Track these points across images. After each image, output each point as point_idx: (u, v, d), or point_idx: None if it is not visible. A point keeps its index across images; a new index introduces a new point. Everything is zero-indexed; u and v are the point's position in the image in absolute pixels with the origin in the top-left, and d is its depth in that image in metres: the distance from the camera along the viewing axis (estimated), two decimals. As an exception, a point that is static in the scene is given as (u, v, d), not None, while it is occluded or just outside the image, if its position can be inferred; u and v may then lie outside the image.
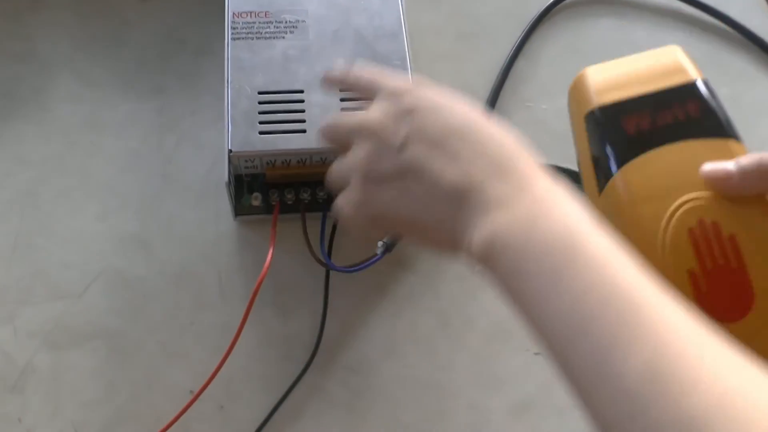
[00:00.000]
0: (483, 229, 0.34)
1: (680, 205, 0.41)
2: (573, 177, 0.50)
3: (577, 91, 0.50)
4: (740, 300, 0.40)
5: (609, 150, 0.45)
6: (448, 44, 0.67)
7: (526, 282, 0.33)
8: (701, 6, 0.70)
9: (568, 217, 0.34)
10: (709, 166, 0.40)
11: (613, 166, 0.44)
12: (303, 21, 0.58)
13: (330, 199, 0.55)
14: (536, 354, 0.54)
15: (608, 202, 0.44)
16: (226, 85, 0.54)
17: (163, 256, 0.55)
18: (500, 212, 0.34)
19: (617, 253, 0.32)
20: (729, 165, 0.39)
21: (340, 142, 0.43)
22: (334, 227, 0.56)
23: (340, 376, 0.52)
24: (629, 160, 0.43)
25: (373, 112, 0.40)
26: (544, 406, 0.52)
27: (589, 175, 0.46)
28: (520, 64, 0.66)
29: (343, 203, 0.41)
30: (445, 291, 0.55)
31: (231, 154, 0.51)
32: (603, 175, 0.45)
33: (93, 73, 0.62)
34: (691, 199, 0.41)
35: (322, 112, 0.53)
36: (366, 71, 0.45)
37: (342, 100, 0.54)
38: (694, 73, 0.46)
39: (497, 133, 0.37)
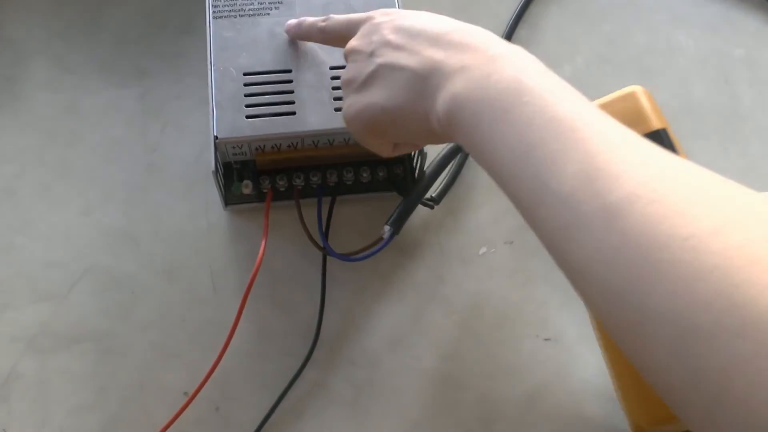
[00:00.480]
0: (445, 95, 0.37)
1: None
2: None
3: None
4: None
5: None
6: (445, 14, 0.63)
7: (482, 130, 0.35)
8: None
9: (518, 66, 0.36)
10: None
11: None
12: (288, -5, 0.53)
13: (325, 183, 0.52)
14: (546, 340, 0.51)
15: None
16: (209, 67, 0.50)
17: (152, 251, 0.52)
18: (458, 77, 0.37)
19: (560, 88, 0.34)
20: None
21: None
22: (331, 213, 0.52)
23: (342, 370, 0.49)
24: None
25: (352, 39, 0.44)
26: (558, 394, 0.49)
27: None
28: (522, 32, 0.62)
29: (343, 115, 0.44)
30: (449, 277, 0.52)
31: (217, 141, 0.48)
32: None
33: (71, 59, 0.58)
34: None
35: (313, 92, 0.49)
36: (341, 16, 0.47)
37: (333, 78, 0.50)
38: (656, 123, 0.48)
39: (454, 25, 0.40)
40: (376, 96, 0.41)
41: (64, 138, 0.55)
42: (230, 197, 0.52)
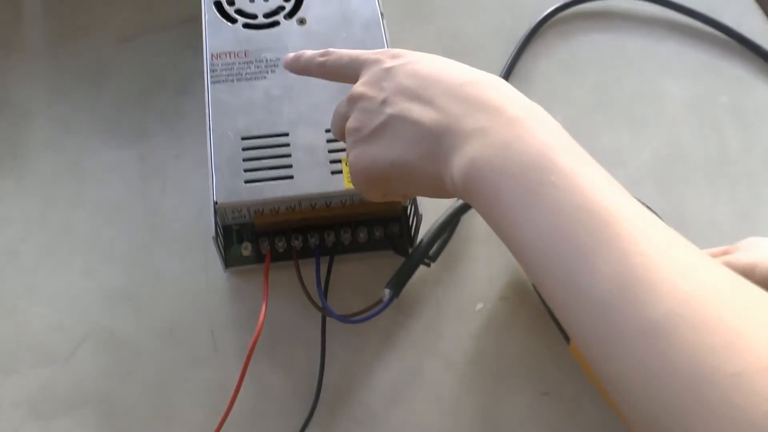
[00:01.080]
0: (462, 158, 0.35)
1: None
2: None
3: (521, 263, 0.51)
4: None
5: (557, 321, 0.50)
6: (437, 68, 0.64)
7: (503, 204, 0.33)
8: (694, 14, 0.67)
9: (541, 137, 0.33)
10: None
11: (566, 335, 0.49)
12: (284, 58, 0.54)
13: (323, 243, 0.52)
14: (544, 394, 0.51)
15: (576, 356, 0.49)
16: (208, 131, 0.50)
17: (153, 312, 0.52)
18: (476, 140, 0.34)
19: (589, 168, 0.32)
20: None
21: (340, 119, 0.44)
22: (329, 272, 0.52)
23: (344, 428, 0.49)
24: None
25: (358, 86, 0.41)
26: (556, 448, 0.49)
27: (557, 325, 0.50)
28: (514, 83, 0.62)
29: (349, 165, 0.42)
30: (447, 332, 0.52)
31: (217, 206, 0.48)
32: (563, 334, 0.50)
33: (72, 120, 0.59)
34: None
35: (309, 154, 0.50)
36: (343, 51, 0.45)
37: (329, 141, 0.50)
38: None
39: (469, 75, 0.38)
40: (385, 150, 0.39)
41: (66, 199, 0.55)
42: (230, 259, 0.52)
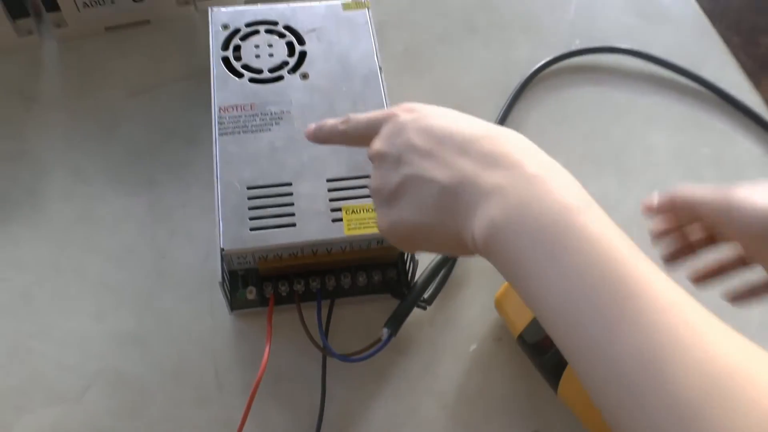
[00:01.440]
0: (481, 220, 0.34)
1: None
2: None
3: (502, 315, 0.55)
4: None
5: (542, 370, 0.51)
6: (433, 120, 0.66)
7: (523, 265, 0.33)
8: (676, 68, 0.70)
9: (560, 197, 0.33)
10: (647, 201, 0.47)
11: (553, 383, 0.50)
12: (288, 111, 0.56)
13: (324, 287, 0.54)
14: (535, 431, 0.52)
15: (564, 400, 0.51)
16: (215, 181, 0.53)
17: (160, 353, 0.54)
18: (494, 200, 0.34)
19: (610, 230, 0.32)
20: (655, 197, 0.47)
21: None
22: (330, 314, 0.54)
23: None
24: (559, 377, 0.49)
25: (375, 142, 0.42)
26: (548, 485, 0.50)
27: (543, 375, 0.52)
28: (505, 135, 0.65)
29: (378, 226, 0.42)
30: (442, 372, 0.54)
31: (224, 252, 0.50)
32: (551, 383, 0.51)
33: (86, 169, 0.61)
34: None
35: (311, 203, 0.52)
36: (361, 116, 0.45)
37: (330, 190, 0.53)
38: None
39: (483, 129, 0.38)
40: (405, 212, 0.39)
41: (79, 245, 0.58)
42: (235, 302, 0.54)
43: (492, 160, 0.35)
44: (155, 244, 0.58)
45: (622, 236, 0.32)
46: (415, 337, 0.55)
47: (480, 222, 0.34)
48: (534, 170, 0.34)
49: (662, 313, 0.28)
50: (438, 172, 0.37)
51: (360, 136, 0.44)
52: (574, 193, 0.34)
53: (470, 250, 0.36)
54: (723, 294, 0.47)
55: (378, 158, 0.41)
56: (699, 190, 0.44)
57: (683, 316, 0.29)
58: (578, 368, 0.31)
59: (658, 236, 0.48)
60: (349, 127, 0.45)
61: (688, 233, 0.48)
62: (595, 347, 0.29)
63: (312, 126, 0.47)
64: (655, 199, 0.47)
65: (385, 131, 0.41)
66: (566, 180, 0.34)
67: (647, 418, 0.27)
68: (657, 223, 0.48)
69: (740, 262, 0.47)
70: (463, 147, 0.37)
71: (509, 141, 0.36)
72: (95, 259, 0.57)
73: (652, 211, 0.47)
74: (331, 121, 0.46)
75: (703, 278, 0.48)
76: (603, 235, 0.31)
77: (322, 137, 0.47)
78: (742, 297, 0.47)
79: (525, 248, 0.32)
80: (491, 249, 0.34)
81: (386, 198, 0.40)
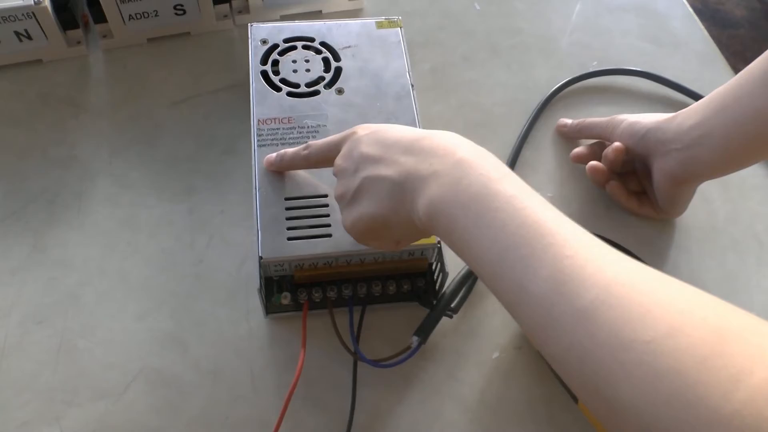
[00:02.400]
0: (423, 201, 0.39)
1: None
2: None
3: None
4: None
5: (563, 381, 0.49)
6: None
7: (458, 230, 0.37)
8: (686, 91, 0.70)
9: (484, 171, 0.38)
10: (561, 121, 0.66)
11: (573, 395, 0.51)
12: (324, 125, 0.56)
13: (356, 294, 0.54)
14: (554, 437, 0.52)
15: (584, 413, 0.51)
16: (254, 192, 0.53)
17: (198, 354, 0.53)
18: (431, 183, 0.39)
19: (524, 191, 0.37)
20: (568, 120, 0.66)
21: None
22: (361, 321, 0.54)
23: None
24: None
25: (337, 157, 0.47)
26: (564, 489, 0.50)
27: (564, 387, 0.52)
28: (527, 153, 0.65)
29: (342, 226, 0.47)
30: (465, 378, 0.54)
31: (262, 260, 0.50)
32: (572, 394, 0.51)
33: (129, 176, 0.61)
34: None
35: (346, 215, 0.52)
36: (321, 141, 0.50)
37: (364, 203, 0.52)
38: None
39: (424, 133, 0.43)
40: (364, 207, 0.43)
41: (122, 249, 0.57)
42: (270, 307, 0.54)
43: (429, 153, 0.40)
44: (194, 250, 0.58)
45: (534, 194, 0.37)
46: (440, 345, 0.55)
47: (422, 202, 0.39)
48: (461, 154, 0.39)
49: (567, 245, 0.33)
50: (388, 171, 0.42)
51: (322, 158, 0.49)
52: (493, 167, 0.38)
53: (420, 230, 0.42)
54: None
55: (340, 171, 0.46)
56: (595, 118, 0.64)
57: (584, 247, 0.33)
58: (507, 304, 0.36)
59: (576, 159, 0.64)
60: (311, 152, 0.50)
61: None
62: (517, 281, 0.34)
63: (272, 156, 0.53)
64: (567, 121, 0.66)
65: (345, 148, 0.46)
66: (489, 159, 0.39)
67: (560, 328, 0.32)
68: (576, 151, 0.64)
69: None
70: (407, 148, 0.42)
71: (444, 137, 0.41)
72: (137, 262, 0.57)
73: (564, 128, 0.66)
74: (291, 151, 0.52)
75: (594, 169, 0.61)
76: (517, 195, 0.36)
77: (284, 165, 0.52)
78: (597, 172, 0.61)
79: (458, 216, 0.37)
80: (433, 223, 0.39)
81: (348, 201, 0.45)
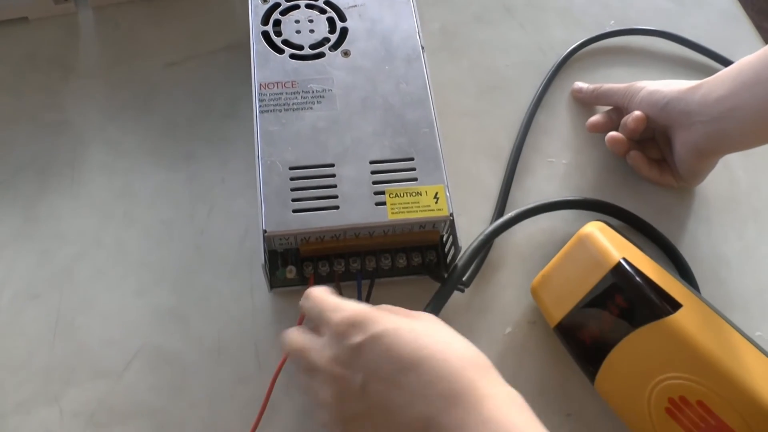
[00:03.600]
0: None
1: (650, 394, 0.45)
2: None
3: (538, 304, 0.52)
4: None
5: (579, 361, 0.50)
6: (470, 99, 0.63)
7: None
8: (707, 52, 0.67)
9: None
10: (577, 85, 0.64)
11: (590, 375, 0.49)
12: (330, 90, 0.53)
13: (364, 268, 0.51)
14: (568, 415, 0.50)
15: (600, 393, 0.49)
16: (257, 161, 0.50)
17: (201, 330, 0.51)
18: None
19: None
20: (583, 85, 0.63)
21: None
22: (369, 295, 0.52)
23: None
24: (597, 370, 0.47)
25: (325, 353, 0.40)
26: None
27: (580, 366, 0.50)
28: (541, 117, 0.62)
29: None
30: (477, 355, 0.52)
31: (266, 234, 0.47)
32: (588, 374, 0.49)
33: (124, 143, 0.58)
34: (656, 385, 0.45)
35: (355, 186, 0.49)
36: (312, 297, 0.43)
37: (373, 173, 0.50)
38: (613, 256, 0.47)
39: (450, 356, 0.37)
40: None
41: (119, 220, 0.55)
42: (275, 281, 0.52)
43: (456, 394, 0.36)
44: (194, 220, 0.55)
45: None
46: (451, 319, 0.52)
47: None
48: (489, 412, 0.35)
49: None
50: (404, 406, 0.36)
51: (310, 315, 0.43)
52: (522, 425, 0.35)
53: None
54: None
55: (335, 379, 0.38)
56: (612, 85, 0.61)
57: None
58: None
59: (593, 128, 0.61)
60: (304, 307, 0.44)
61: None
62: None
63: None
64: (583, 86, 0.63)
65: (340, 350, 0.39)
66: (518, 415, 0.36)
67: None
68: (592, 120, 0.61)
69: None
70: (425, 384, 0.36)
71: (471, 373, 0.37)
72: (135, 234, 0.54)
73: (580, 94, 0.63)
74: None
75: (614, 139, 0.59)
76: None
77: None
78: (617, 143, 0.58)
79: None
80: None
81: (345, 419, 0.39)
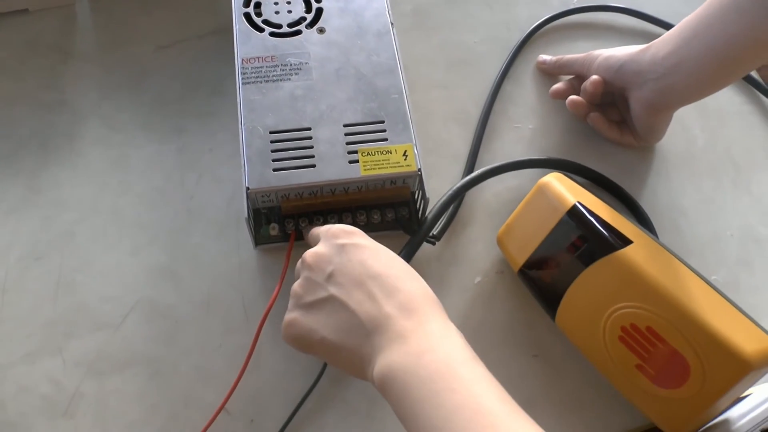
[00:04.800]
0: (382, 360, 0.39)
1: (604, 325, 0.49)
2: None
3: (503, 252, 0.56)
4: (680, 370, 0.46)
5: (541, 300, 0.53)
6: (441, 73, 0.67)
7: (409, 402, 0.37)
8: (665, 25, 0.71)
9: (450, 351, 0.38)
10: (541, 57, 0.68)
11: (551, 312, 0.52)
12: (306, 63, 0.57)
13: (341, 224, 0.55)
14: (534, 356, 0.54)
15: (561, 328, 0.53)
16: (240, 126, 0.54)
17: (192, 285, 0.55)
18: (397, 346, 0.39)
19: (485, 380, 0.37)
20: (547, 57, 0.68)
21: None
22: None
23: (358, 385, 0.52)
24: (557, 307, 0.51)
25: (314, 250, 0.45)
26: (544, 404, 0.52)
27: (542, 305, 0.54)
28: (507, 87, 0.66)
29: (282, 327, 0.45)
30: (448, 303, 0.55)
31: (249, 191, 0.51)
32: (550, 312, 0.53)
33: (118, 119, 0.62)
34: (609, 315, 0.48)
35: (330, 146, 0.53)
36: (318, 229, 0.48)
37: (347, 134, 0.54)
38: (569, 201, 0.51)
39: (409, 283, 0.42)
40: (319, 325, 0.42)
41: (114, 188, 0.59)
42: (259, 238, 0.56)
43: (406, 311, 0.40)
44: (184, 187, 0.59)
45: (495, 384, 0.37)
46: (424, 272, 0.55)
47: (380, 363, 0.39)
48: (433, 327, 0.40)
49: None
50: (360, 305, 0.41)
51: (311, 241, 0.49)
52: (459, 348, 0.39)
53: (366, 378, 0.41)
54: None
55: (309, 267, 0.44)
56: (572, 55, 0.65)
57: None
58: None
59: (555, 94, 0.65)
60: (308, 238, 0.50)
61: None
62: None
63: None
64: (546, 58, 0.67)
65: (327, 245, 0.44)
66: (456, 340, 0.39)
67: None
68: (555, 87, 0.65)
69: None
70: (390, 291, 0.41)
71: (425, 301, 0.41)
72: (130, 200, 0.59)
73: (544, 65, 0.67)
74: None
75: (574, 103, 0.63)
76: (478, 382, 0.37)
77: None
78: (577, 105, 0.62)
79: (413, 388, 0.37)
80: (386, 386, 0.38)
81: (304, 305, 0.43)
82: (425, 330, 0.39)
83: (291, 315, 0.44)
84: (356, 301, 0.41)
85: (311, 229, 0.50)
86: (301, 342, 0.44)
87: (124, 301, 0.55)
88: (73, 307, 0.54)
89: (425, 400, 0.36)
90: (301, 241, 0.55)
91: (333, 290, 0.42)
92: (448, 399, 0.36)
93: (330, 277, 0.43)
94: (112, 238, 0.57)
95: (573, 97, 0.63)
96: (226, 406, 0.50)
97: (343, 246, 0.44)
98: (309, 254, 0.45)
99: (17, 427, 0.49)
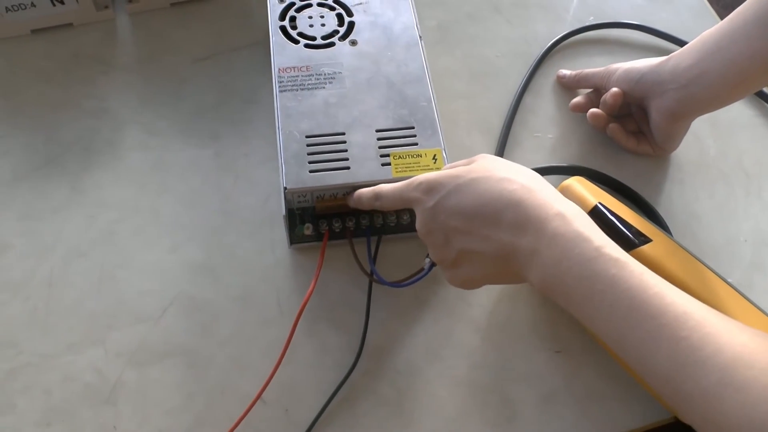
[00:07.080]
0: (533, 277, 0.43)
1: None
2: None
3: None
4: None
5: None
6: (464, 84, 0.70)
7: (574, 306, 0.41)
8: (677, 41, 0.74)
9: (580, 249, 0.40)
10: (560, 72, 0.71)
11: None
12: (339, 72, 0.61)
13: (372, 225, 0.58)
14: (557, 352, 0.56)
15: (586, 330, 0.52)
16: (277, 131, 0.57)
17: (228, 281, 0.58)
18: (533, 264, 0.42)
19: (625, 268, 0.39)
20: (567, 72, 0.70)
21: None
22: (377, 249, 0.58)
23: (388, 377, 0.54)
24: None
25: (417, 224, 0.49)
26: (566, 397, 0.54)
27: None
28: (528, 99, 0.69)
29: (450, 283, 0.50)
30: (475, 300, 0.58)
31: (286, 191, 0.54)
32: None
33: (157, 125, 0.65)
34: None
35: (363, 150, 0.56)
36: (382, 193, 0.52)
37: (379, 139, 0.57)
38: (590, 201, 0.53)
39: (506, 193, 0.44)
40: (469, 271, 0.47)
41: (154, 189, 0.62)
42: (294, 237, 0.58)
43: (520, 229, 0.43)
44: (221, 189, 0.62)
45: (633, 265, 0.39)
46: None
47: (533, 279, 0.43)
48: (553, 229, 0.41)
49: (677, 324, 0.36)
50: (483, 246, 0.45)
51: (392, 207, 0.52)
52: (588, 235, 0.41)
53: (529, 281, 0.44)
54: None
55: (427, 239, 0.49)
56: (592, 69, 0.68)
57: (697, 326, 0.36)
58: (641, 376, 0.39)
59: (575, 108, 0.68)
60: (383, 203, 0.52)
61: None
62: (641, 360, 0.38)
63: (355, 194, 0.54)
64: (566, 72, 0.70)
65: (421, 217, 0.48)
66: (581, 223, 0.42)
67: (691, 404, 0.35)
68: (575, 101, 0.68)
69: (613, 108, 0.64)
70: (493, 221, 0.44)
71: (527, 204, 0.43)
72: (168, 200, 0.61)
73: (563, 79, 0.70)
74: (366, 195, 0.53)
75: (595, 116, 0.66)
76: (618, 275, 0.39)
77: (362, 206, 0.54)
78: (597, 118, 0.65)
79: (569, 294, 0.41)
80: (551, 295, 0.43)
81: (450, 265, 0.48)
82: (548, 237, 0.41)
83: (446, 274, 0.49)
84: (477, 246, 0.45)
85: (385, 199, 0.52)
86: (474, 286, 0.50)
87: (163, 296, 0.57)
88: (115, 300, 0.57)
89: (582, 304, 0.40)
90: (334, 240, 0.57)
91: (456, 246, 0.46)
92: (600, 301, 0.39)
93: (446, 242, 0.47)
94: (152, 236, 0.60)
95: (594, 110, 0.65)
96: (263, 395, 0.52)
97: (433, 208, 0.47)
98: (418, 230, 0.49)
99: (63, 414, 0.52)
